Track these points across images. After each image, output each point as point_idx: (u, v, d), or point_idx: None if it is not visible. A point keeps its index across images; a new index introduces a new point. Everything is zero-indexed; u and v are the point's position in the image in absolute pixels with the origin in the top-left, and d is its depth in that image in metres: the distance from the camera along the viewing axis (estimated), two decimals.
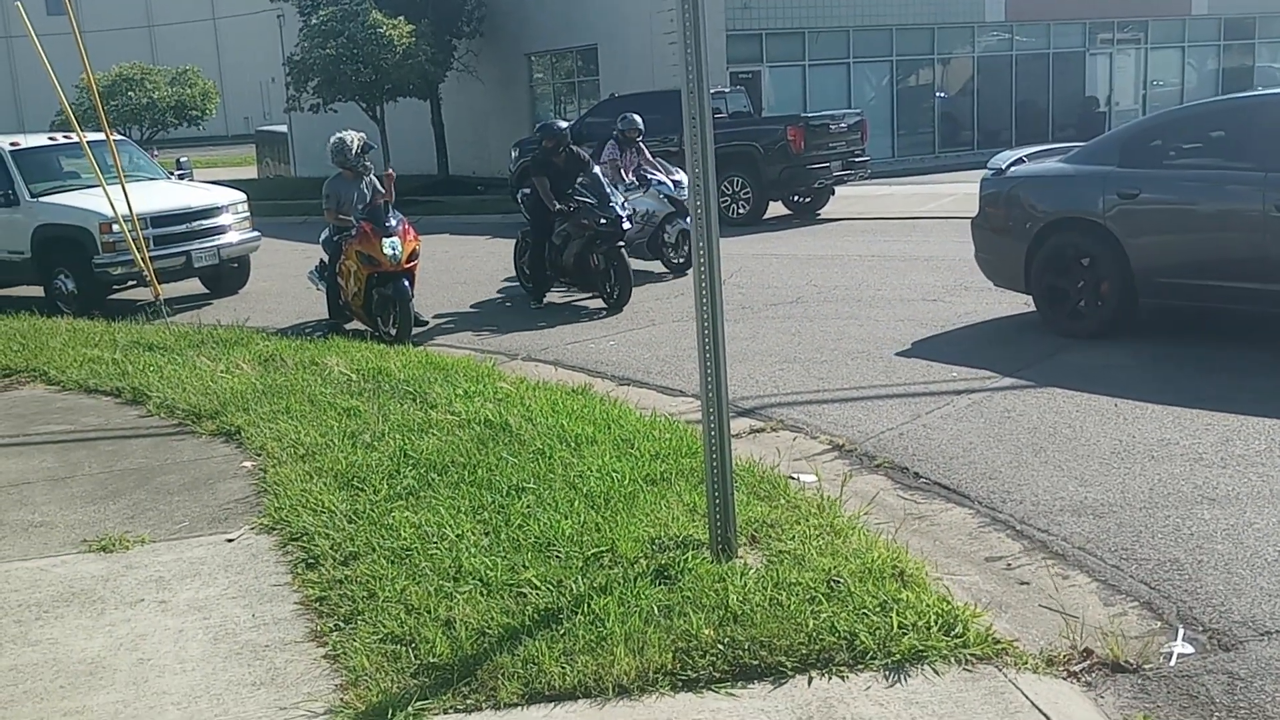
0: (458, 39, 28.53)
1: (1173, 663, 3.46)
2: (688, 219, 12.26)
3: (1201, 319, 7.79)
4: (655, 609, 3.74)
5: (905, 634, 3.52)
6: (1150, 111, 34.25)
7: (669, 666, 3.43)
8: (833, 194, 18.26)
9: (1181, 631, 3.63)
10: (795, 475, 5.30)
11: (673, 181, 12.32)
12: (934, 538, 4.62)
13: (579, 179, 10.67)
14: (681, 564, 4.07)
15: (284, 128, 37.99)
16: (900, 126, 30.19)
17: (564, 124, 11.80)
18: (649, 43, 25.28)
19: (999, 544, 4.51)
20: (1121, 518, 4.59)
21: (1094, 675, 3.43)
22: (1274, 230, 6.79)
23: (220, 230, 12.60)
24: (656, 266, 12.42)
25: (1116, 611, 3.84)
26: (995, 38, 31.84)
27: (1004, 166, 8.49)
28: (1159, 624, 3.72)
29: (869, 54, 29.63)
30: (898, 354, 7.80)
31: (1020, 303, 9.21)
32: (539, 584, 3.97)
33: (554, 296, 11.19)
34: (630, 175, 12.46)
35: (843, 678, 3.38)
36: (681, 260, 12.35)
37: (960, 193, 19.95)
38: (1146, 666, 3.44)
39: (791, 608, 3.69)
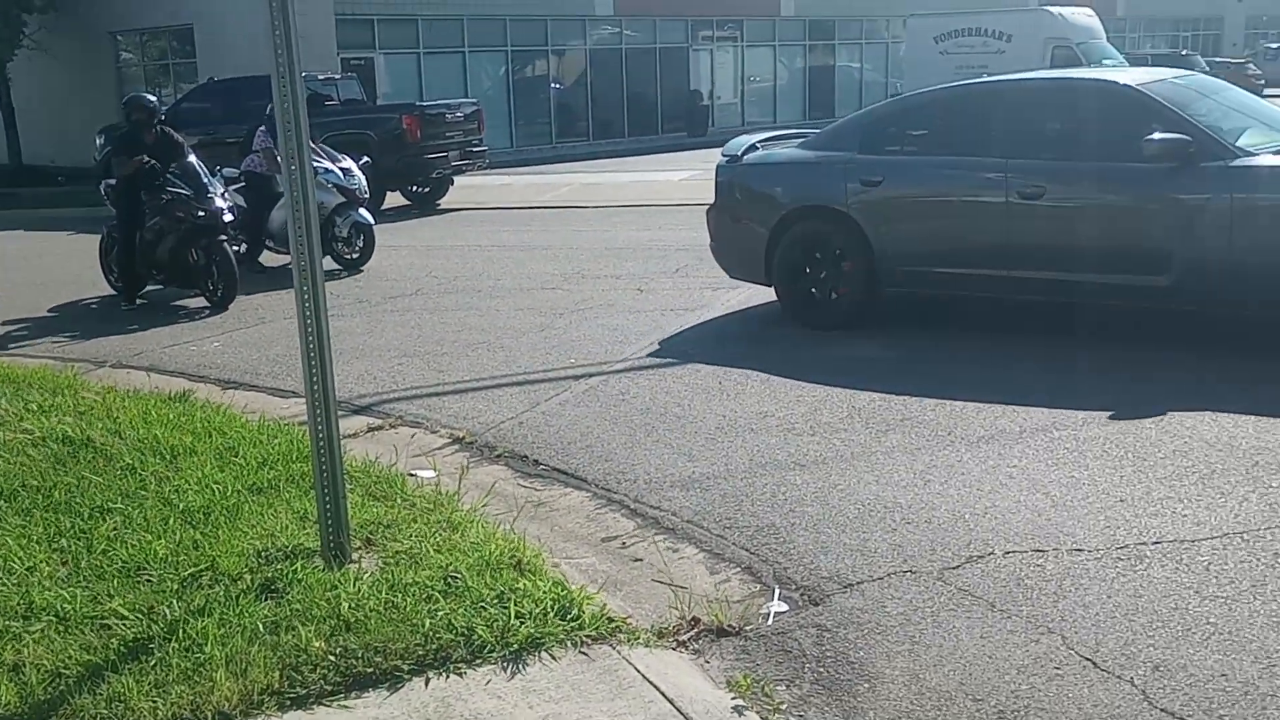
0: (28, 13, 25.76)
1: (770, 622, 3.71)
2: (361, 210, 11.69)
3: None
4: (261, 626, 3.54)
5: (523, 623, 3.56)
6: (748, 106, 37.02)
7: (276, 685, 3.26)
8: (451, 184, 18.23)
9: (777, 591, 3.91)
10: (414, 472, 5.22)
11: (340, 169, 11.52)
12: (552, 523, 4.71)
13: (172, 167, 9.92)
14: (290, 575, 3.89)
15: None
16: (518, 117, 30.61)
17: (154, 98, 10.88)
18: (250, 24, 24.02)
19: (614, 524, 4.67)
20: (725, 488, 4.90)
21: (701, 642, 3.62)
22: (1016, 217, 6.93)
23: None
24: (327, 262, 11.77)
25: (721, 579, 4.08)
26: (606, 31, 33.01)
27: (739, 153, 8.26)
28: (759, 587, 3.98)
29: (485, 44, 29.78)
30: (544, 342, 7.90)
31: (634, 289, 9.62)
32: (126, 613, 3.64)
33: (155, 295, 10.36)
34: None
35: (461, 675, 3.36)
36: (356, 255, 11.58)
37: (577, 182, 20.59)
38: (748, 628, 3.68)
39: (407, 609, 3.62)
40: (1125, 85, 6.99)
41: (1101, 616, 3.56)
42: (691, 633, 3.66)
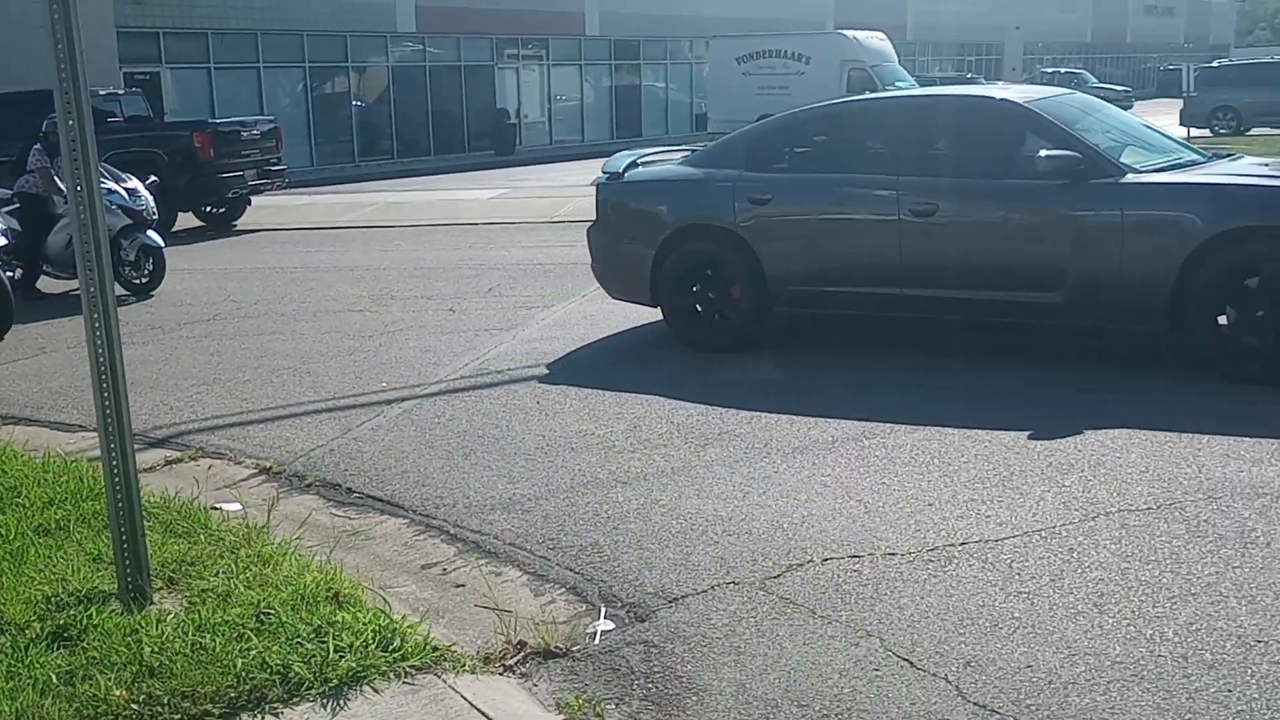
0: None
1: (597, 641, 3.72)
2: (150, 232, 11.08)
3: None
4: (54, 677, 3.33)
5: (343, 657, 3.45)
6: (555, 125, 37.22)
7: None
8: (249, 204, 17.65)
9: (603, 610, 3.93)
10: (218, 505, 5.01)
11: (125, 189, 10.91)
12: (370, 552, 4.60)
13: None
14: (85, 621, 3.67)
15: None
16: (318, 135, 29.92)
17: None
18: (25, 35, 22.63)
19: (434, 550, 4.60)
20: (547, 509, 4.89)
21: (529, 666, 3.60)
22: (908, 235, 6.92)
23: None
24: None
25: (546, 600, 4.06)
26: (408, 48, 32.65)
27: (621, 170, 8.11)
28: (585, 606, 3.99)
29: (281, 59, 29.00)
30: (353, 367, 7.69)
31: (446, 310, 9.51)
32: None
33: None
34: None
35: (277, 715, 3.24)
36: (145, 280, 11.00)
37: (382, 201, 20.25)
38: (575, 649, 3.68)
39: (217, 649, 3.47)
40: (1015, 103, 7.09)
41: (916, 617, 3.72)
42: (518, 656, 3.63)
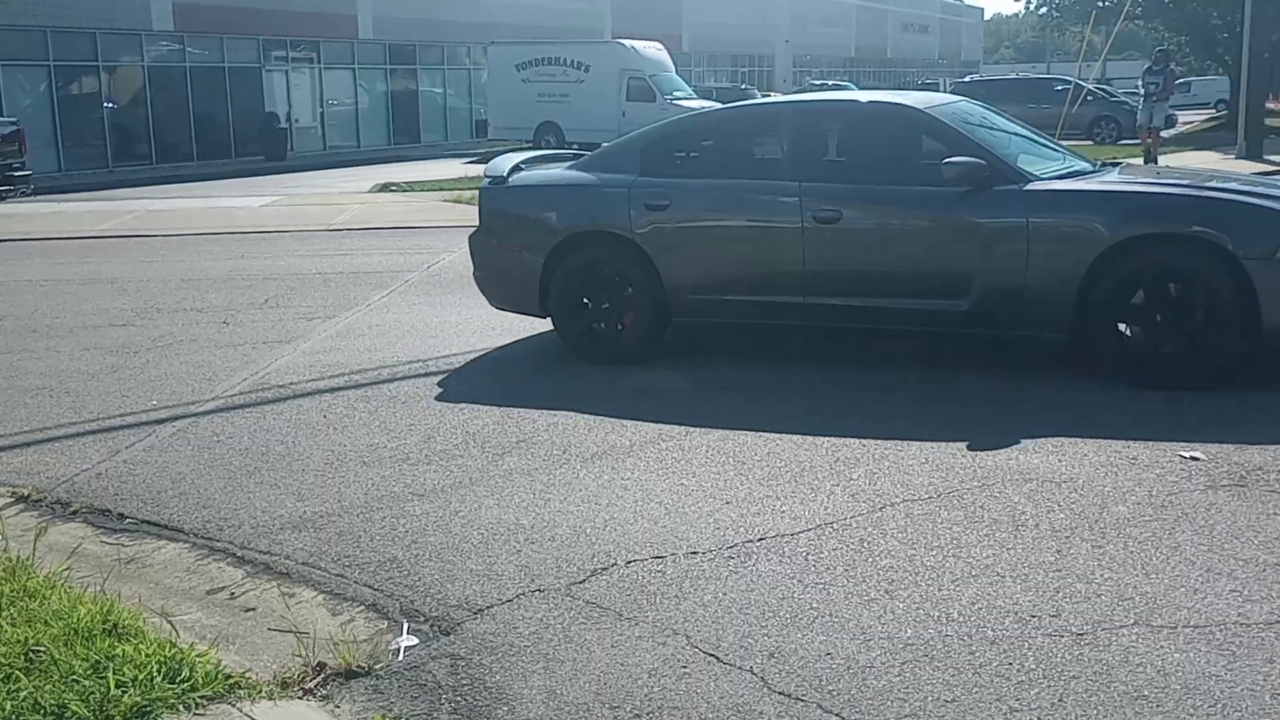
0: None
1: (400, 657, 3.66)
2: None
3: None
4: None
5: (125, 692, 3.27)
6: (329, 130, 36.26)
7: None
8: None
9: (406, 626, 3.86)
10: None
11: None
12: (150, 580, 4.36)
13: None
14: None
15: None
16: (66, 138, 28.15)
17: None
18: None
19: (220, 574, 4.40)
20: (341, 526, 4.76)
21: (330, 687, 3.50)
22: (812, 241, 6.82)
23: None
24: None
25: (345, 619, 3.96)
26: (166, 47, 31.15)
27: (505, 174, 7.81)
28: (386, 623, 3.91)
29: (22, 56, 27.13)
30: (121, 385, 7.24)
31: (219, 323, 9.12)
32: None
33: None
34: None
35: None
36: None
37: (143, 209, 19.20)
38: (378, 667, 3.60)
39: None
40: (917, 109, 7.12)
41: (720, 613, 3.82)
42: (318, 678, 3.53)
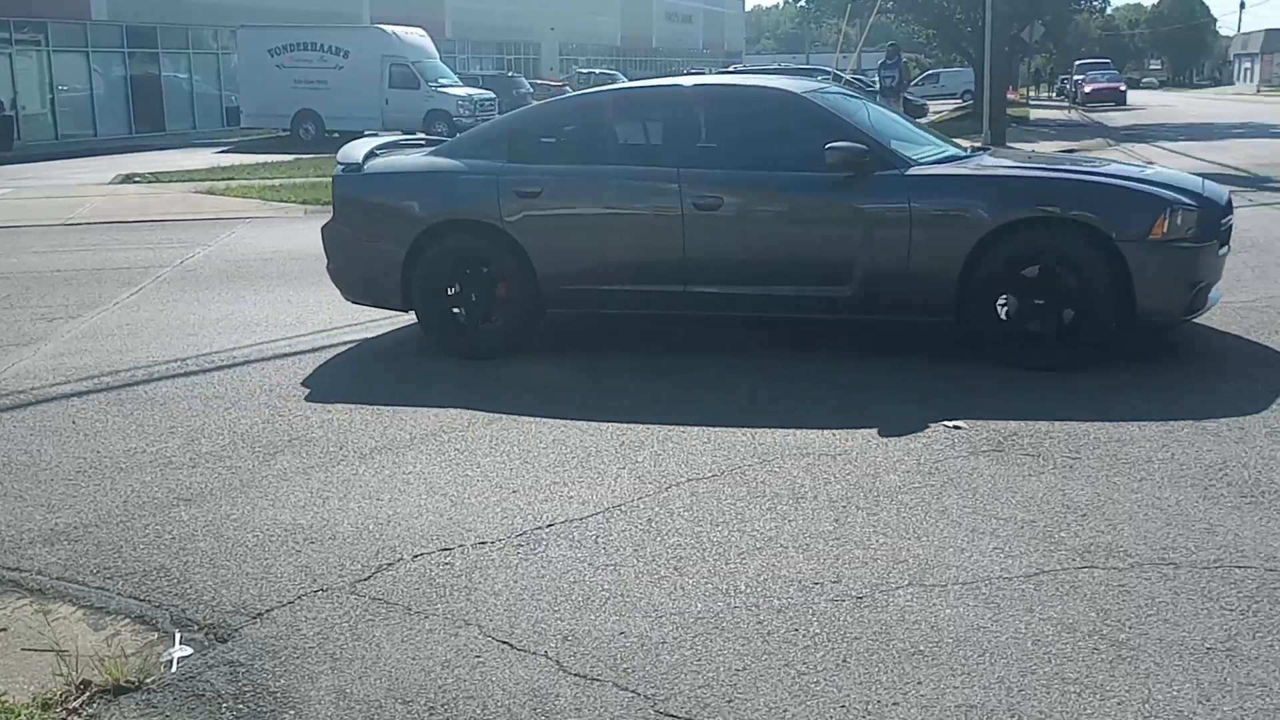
0: None
1: (174, 669, 3.51)
2: None
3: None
4: None
5: None
6: (61, 118, 34.01)
7: None
8: None
9: (178, 635, 3.70)
10: None
11: None
12: None
13: None
14: None
15: None
16: None
17: None
18: None
19: None
20: (99, 536, 4.51)
21: (97, 705, 3.32)
22: (692, 228, 6.73)
23: None
24: None
25: (110, 633, 3.76)
26: None
27: (360, 160, 7.43)
28: (156, 635, 3.74)
29: None
30: None
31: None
32: None
33: None
34: None
35: None
36: None
37: None
38: (149, 680, 3.44)
39: None
40: (795, 94, 7.12)
41: (511, 601, 3.84)
42: (83, 697, 3.34)
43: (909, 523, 4.37)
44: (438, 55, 33.04)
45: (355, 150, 7.59)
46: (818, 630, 3.57)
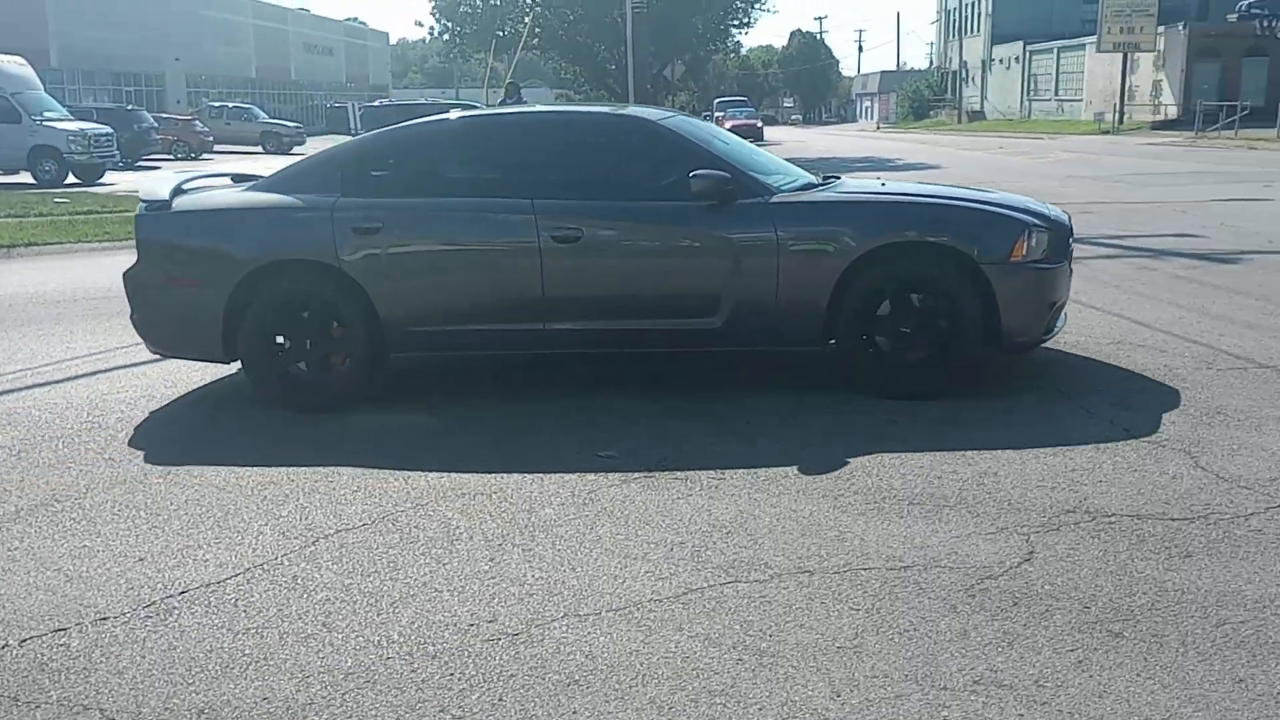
0: None
1: None
2: None
3: None
4: None
5: None
6: None
7: None
8: None
9: None
10: None
11: None
12: None
13: None
14: None
15: None
16: None
17: None
18: None
19: None
20: None
21: None
22: (550, 263, 6.48)
23: None
24: None
25: None
26: None
27: (167, 197, 6.79)
28: None
29: None
30: None
31: None
32: None
33: None
34: None
35: None
36: None
37: None
38: None
39: None
40: (651, 121, 7.02)
41: (139, 678, 3.62)
42: None
43: (564, 555, 4.48)
44: (41, 86, 30.75)
45: (159, 186, 7.01)
46: (473, 672, 3.60)
